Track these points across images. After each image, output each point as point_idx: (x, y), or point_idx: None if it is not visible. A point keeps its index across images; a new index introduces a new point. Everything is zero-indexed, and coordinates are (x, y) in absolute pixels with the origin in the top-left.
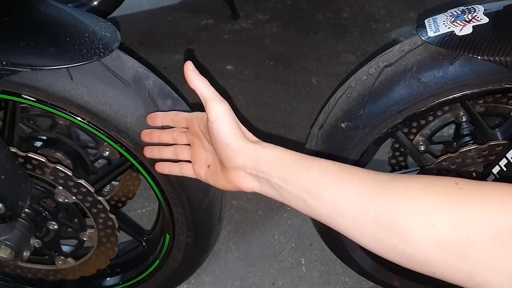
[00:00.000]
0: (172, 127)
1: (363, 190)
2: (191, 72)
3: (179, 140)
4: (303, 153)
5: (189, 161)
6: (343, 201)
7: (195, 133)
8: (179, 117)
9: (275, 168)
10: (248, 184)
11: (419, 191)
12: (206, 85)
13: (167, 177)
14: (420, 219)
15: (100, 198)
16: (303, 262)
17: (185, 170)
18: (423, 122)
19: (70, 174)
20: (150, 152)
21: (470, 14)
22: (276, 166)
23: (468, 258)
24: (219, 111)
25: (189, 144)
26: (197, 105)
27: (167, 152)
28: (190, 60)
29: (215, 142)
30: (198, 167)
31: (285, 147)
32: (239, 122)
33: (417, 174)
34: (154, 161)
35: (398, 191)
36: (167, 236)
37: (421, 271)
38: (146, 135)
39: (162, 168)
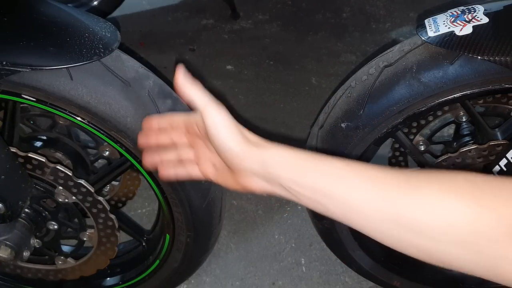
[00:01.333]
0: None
1: (376, 187)
2: (181, 83)
3: (179, 141)
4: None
5: (193, 163)
6: (356, 200)
7: (196, 134)
8: (176, 119)
9: (283, 170)
10: (258, 185)
11: (434, 188)
12: (199, 92)
13: None
14: (436, 216)
15: (100, 198)
16: (303, 262)
17: (192, 172)
18: (423, 122)
19: (70, 174)
20: (150, 159)
21: (470, 14)
22: (284, 168)
23: (485, 253)
24: (216, 117)
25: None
26: None
27: (168, 155)
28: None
29: (217, 148)
30: (204, 167)
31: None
32: (238, 124)
33: None
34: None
35: (414, 189)
36: (167, 236)
37: (438, 264)
38: (143, 137)
39: (168, 173)
